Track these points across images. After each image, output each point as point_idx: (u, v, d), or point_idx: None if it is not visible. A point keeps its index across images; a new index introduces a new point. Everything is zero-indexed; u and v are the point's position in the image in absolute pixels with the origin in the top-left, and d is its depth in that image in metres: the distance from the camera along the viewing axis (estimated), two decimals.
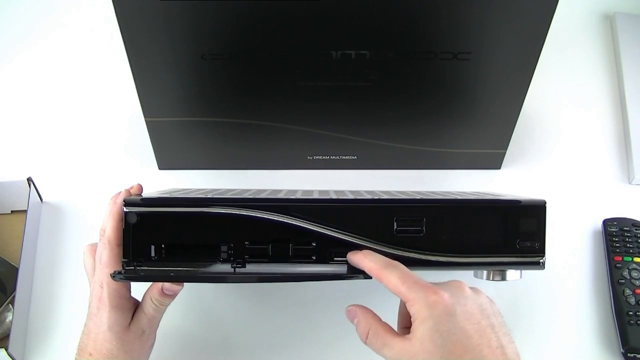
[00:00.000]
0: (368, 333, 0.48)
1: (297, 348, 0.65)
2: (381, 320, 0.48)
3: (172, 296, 0.53)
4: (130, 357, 0.53)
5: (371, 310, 0.49)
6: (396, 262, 0.48)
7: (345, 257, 0.51)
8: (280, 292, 0.67)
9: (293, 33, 0.58)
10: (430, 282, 0.46)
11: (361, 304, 0.50)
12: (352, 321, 0.50)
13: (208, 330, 0.66)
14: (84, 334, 0.53)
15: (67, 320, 0.66)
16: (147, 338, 0.55)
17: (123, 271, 0.50)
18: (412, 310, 0.45)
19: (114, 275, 0.50)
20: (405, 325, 0.49)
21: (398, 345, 0.45)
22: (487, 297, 0.48)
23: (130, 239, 0.50)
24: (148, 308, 0.53)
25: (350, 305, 0.50)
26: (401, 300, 0.48)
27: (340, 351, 0.65)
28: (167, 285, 0.52)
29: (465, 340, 0.44)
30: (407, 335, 0.45)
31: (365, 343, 0.48)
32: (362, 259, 0.49)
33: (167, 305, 0.54)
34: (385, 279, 0.47)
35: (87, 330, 0.53)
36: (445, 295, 0.44)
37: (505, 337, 0.45)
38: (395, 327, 0.50)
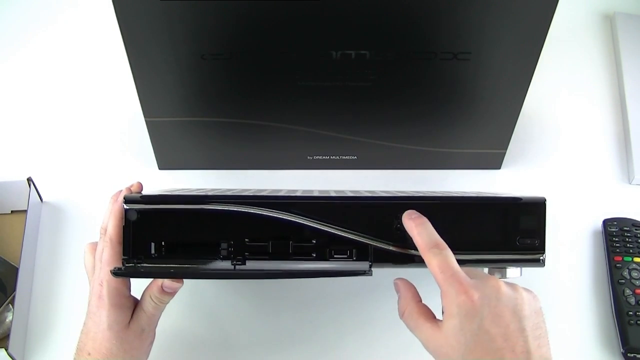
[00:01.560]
0: (404, 312, 0.50)
1: (298, 347, 0.65)
2: (420, 301, 0.50)
3: (172, 294, 0.53)
4: (130, 356, 0.52)
5: (413, 289, 0.51)
6: (442, 244, 0.48)
7: (346, 254, 0.51)
8: (280, 292, 0.67)
9: (293, 33, 0.58)
10: (469, 277, 0.47)
11: (406, 280, 0.52)
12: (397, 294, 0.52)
13: (208, 329, 0.66)
14: (83, 333, 0.53)
15: (67, 320, 0.66)
16: (147, 336, 0.54)
17: (123, 268, 0.50)
18: (443, 302, 0.46)
19: (114, 272, 0.50)
20: None
21: (428, 331, 0.47)
22: (528, 295, 0.48)
23: (130, 236, 0.50)
24: (147, 306, 0.53)
25: (397, 279, 0.52)
26: None
27: (341, 350, 0.65)
28: (167, 282, 0.52)
29: (487, 343, 0.44)
30: (438, 324, 0.47)
31: (401, 319, 0.50)
32: (412, 228, 0.50)
33: (166, 303, 0.54)
34: (426, 260, 0.48)
35: (86, 330, 0.53)
36: (475, 297, 0.45)
37: (535, 340, 0.45)
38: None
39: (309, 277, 0.51)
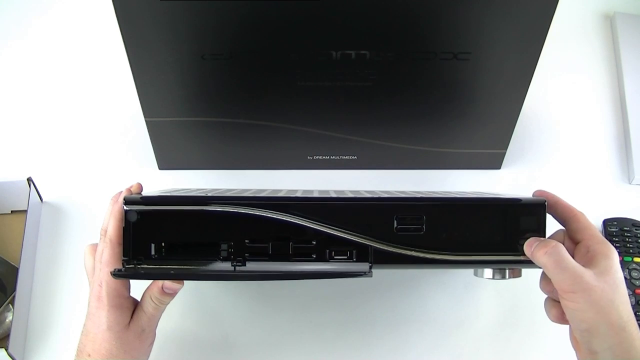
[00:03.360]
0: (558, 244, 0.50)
1: (297, 348, 0.65)
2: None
3: (172, 295, 0.53)
4: (130, 356, 0.52)
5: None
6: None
7: (346, 255, 0.51)
8: (280, 292, 0.67)
9: (293, 33, 0.58)
10: None
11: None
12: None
13: (208, 330, 0.66)
14: (83, 334, 0.53)
15: (67, 320, 0.66)
16: (147, 337, 0.54)
17: (123, 269, 0.50)
18: (601, 249, 0.50)
19: (114, 273, 0.50)
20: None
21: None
22: None
23: (130, 237, 0.50)
24: (148, 307, 0.53)
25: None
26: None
27: (341, 351, 0.65)
28: (167, 283, 0.52)
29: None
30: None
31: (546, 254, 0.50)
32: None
33: (166, 304, 0.54)
34: (583, 217, 0.53)
35: (86, 331, 0.53)
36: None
37: None
38: None
39: (308, 278, 0.51)
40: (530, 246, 0.51)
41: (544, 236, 0.52)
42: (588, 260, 0.50)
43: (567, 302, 0.49)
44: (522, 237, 0.52)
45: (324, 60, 0.60)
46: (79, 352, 0.52)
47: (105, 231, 0.52)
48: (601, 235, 0.52)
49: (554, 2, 0.55)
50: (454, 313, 0.66)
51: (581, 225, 0.52)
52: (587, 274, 0.48)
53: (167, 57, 0.60)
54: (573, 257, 0.49)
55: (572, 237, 0.53)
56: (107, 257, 0.51)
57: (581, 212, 0.53)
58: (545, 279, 0.53)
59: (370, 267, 0.50)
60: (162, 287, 0.52)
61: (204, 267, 0.50)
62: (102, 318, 0.51)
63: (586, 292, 0.47)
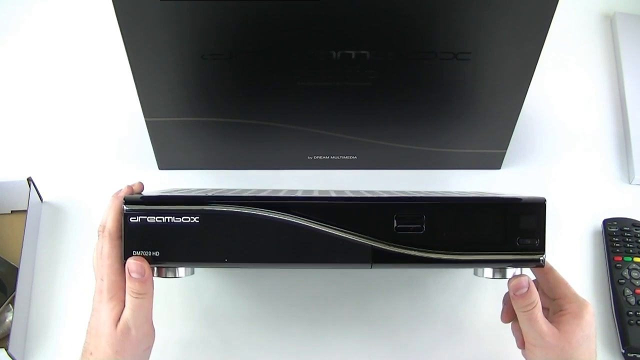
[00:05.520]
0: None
1: (297, 348, 0.65)
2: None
3: (142, 282, 0.51)
4: (122, 357, 0.51)
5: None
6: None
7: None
8: (280, 292, 0.67)
9: (293, 33, 0.58)
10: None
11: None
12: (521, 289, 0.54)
13: (208, 330, 0.66)
14: (87, 332, 0.53)
15: (67, 320, 0.66)
16: (136, 338, 0.52)
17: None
18: (576, 307, 0.54)
19: (126, 199, 0.50)
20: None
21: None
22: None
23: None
24: (127, 301, 0.52)
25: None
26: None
27: (341, 351, 0.65)
28: (131, 265, 0.51)
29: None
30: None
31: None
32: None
33: (143, 297, 0.51)
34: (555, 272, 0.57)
35: (89, 328, 0.52)
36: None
37: None
38: None
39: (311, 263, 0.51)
40: (515, 289, 0.53)
41: (544, 237, 0.52)
42: (558, 317, 0.54)
43: (528, 353, 0.55)
44: (522, 236, 0.52)
45: (324, 60, 0.60)
46: (84, 351, 0.52)
47: (104, 227, 0.52)
48: (573, 292, 0.55)
49: (554, 2, 0.55)
50: (454, 313, 0.66)
51: (551, 285, 0.56)
52: (550, 333, 0.53)
53: (167, 57, 0.60)
54: (546, 311, 0.56)
55: (547, 294, 0.57)
56: (107, 250, 0.51)
57: (550, 267, 0.57)
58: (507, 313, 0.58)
59: (371, 267, 0.51)
60: (128, 272, 0.51)
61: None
62: (102, 312, 0.51)
63: (545, 349, 0.53)
